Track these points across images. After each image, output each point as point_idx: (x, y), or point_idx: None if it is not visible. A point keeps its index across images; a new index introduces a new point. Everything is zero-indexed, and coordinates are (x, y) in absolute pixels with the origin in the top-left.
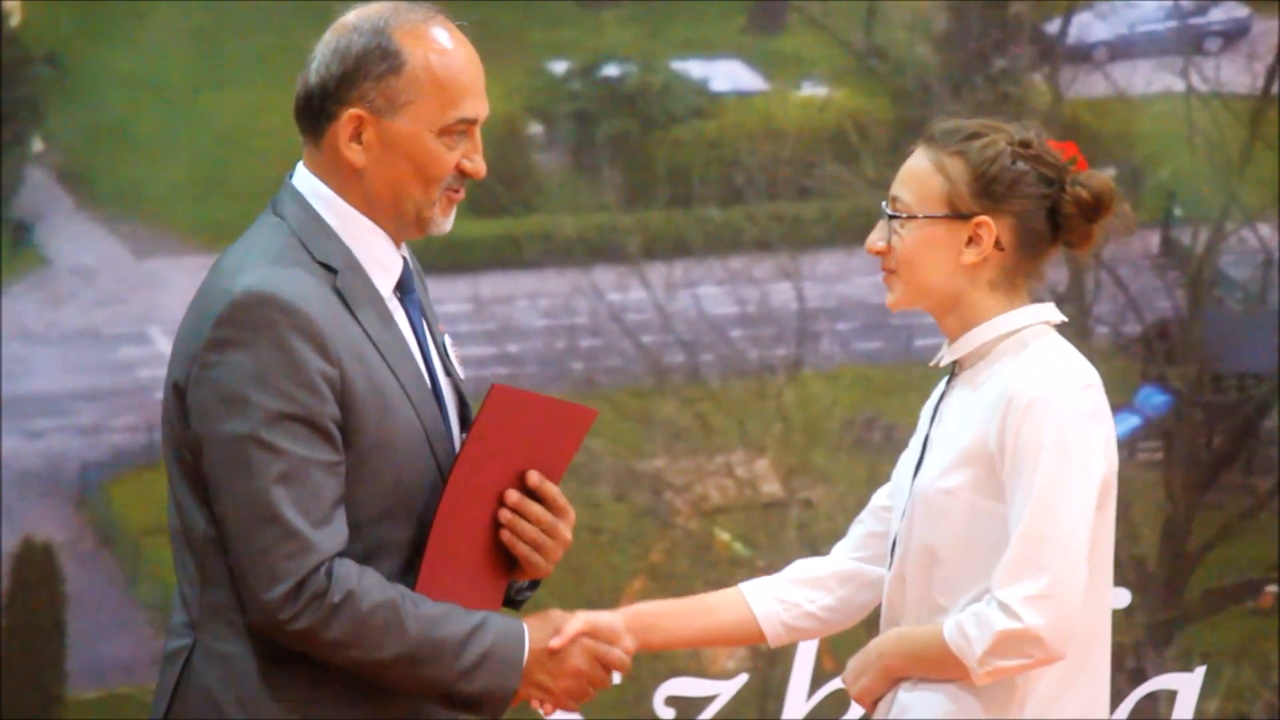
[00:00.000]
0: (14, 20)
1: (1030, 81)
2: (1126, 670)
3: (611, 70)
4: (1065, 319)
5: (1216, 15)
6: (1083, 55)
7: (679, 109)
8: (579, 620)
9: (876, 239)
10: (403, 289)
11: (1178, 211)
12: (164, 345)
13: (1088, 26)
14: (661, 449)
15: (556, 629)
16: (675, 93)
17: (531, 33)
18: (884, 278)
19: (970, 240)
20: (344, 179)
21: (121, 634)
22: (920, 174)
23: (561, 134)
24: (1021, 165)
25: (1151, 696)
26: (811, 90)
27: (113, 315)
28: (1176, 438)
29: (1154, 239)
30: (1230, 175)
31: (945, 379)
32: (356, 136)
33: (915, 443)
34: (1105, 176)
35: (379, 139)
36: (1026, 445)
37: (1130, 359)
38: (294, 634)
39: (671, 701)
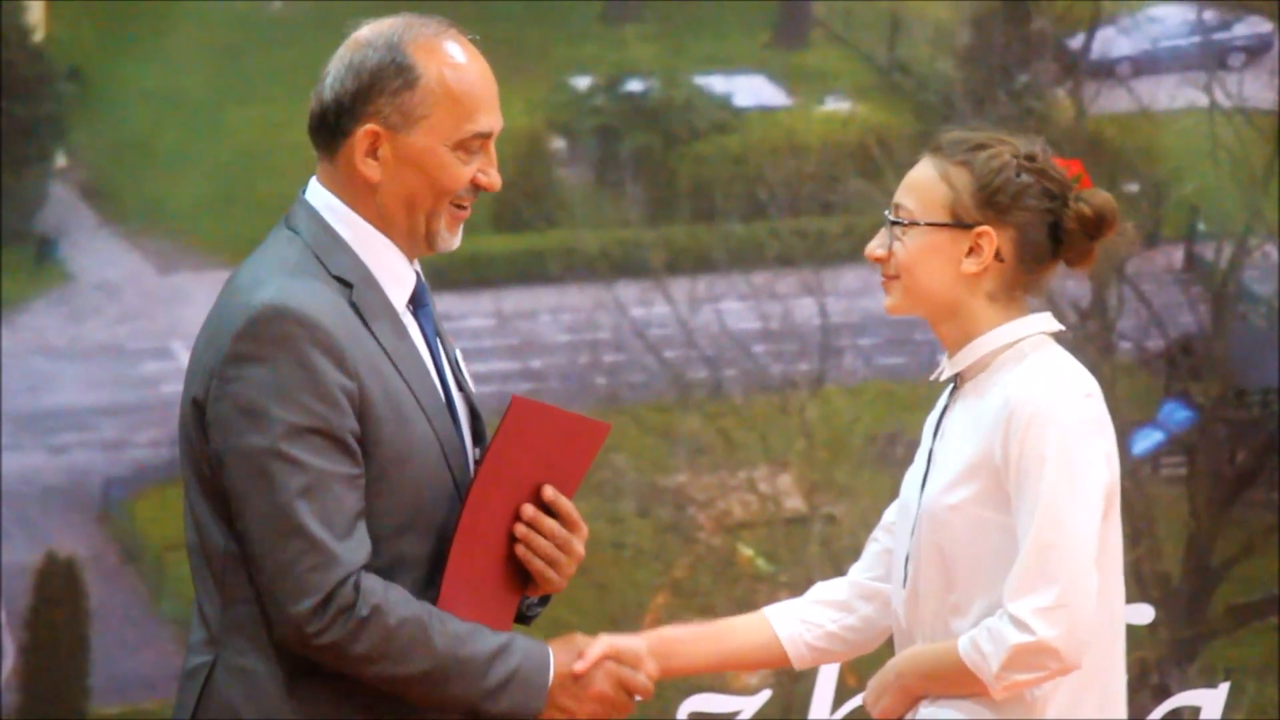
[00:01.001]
0: (37, 36)
1: (1053, 97)
2: (1150, 686)
3: (635, 85)
4: (1063, 328)
5: (1240, 30)
6: (1106, 70)
7: (702, 124)
8: (602, 644)
9: (876, 246)
10: (415, 303)
11: (1201, 227)
12: (187, 360)
13: (1111, 42)
14: (684, 464)
15: (580, 652)
16: (698, 108)
17: (555, 48)
18: (883, 283)
19: (971, 250)
20: (358, 193)
21: (144, 649)
22: (925, 182)
23: (584, 149)
24: (1026, 178)
25: (1175, 713)
26: (835, 105)
27: (136, 330)
28: (1200, 453)
29: (1177, 254)
30: (1254, 190)
31: (946, 392)
32: (372, 152)
33: (919, 458)
34: (1108, 195)
35: (394, 154)
36: (1030, 456)
37: (1154, 374)
38: (321, 648)
39: (695, 718)
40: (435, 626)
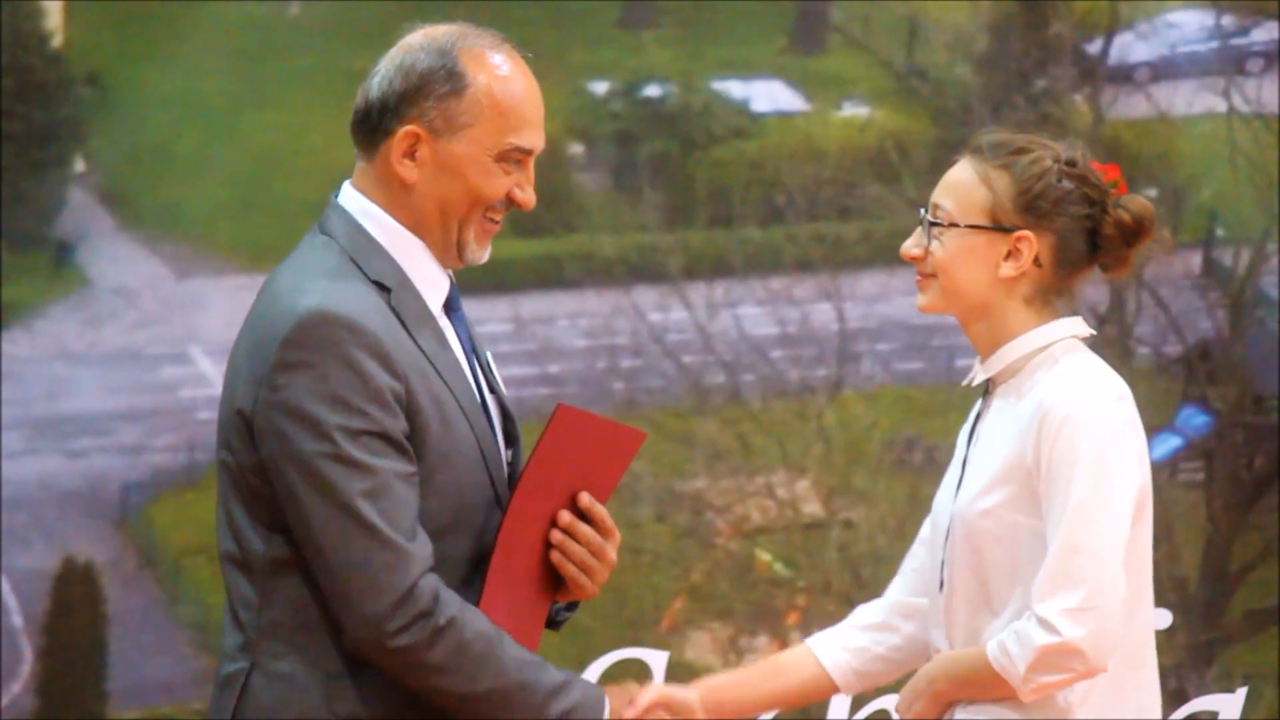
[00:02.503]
0: (56, 41)
1: (1071, 102)
2: (1168, 691)
3: (652, 91)
4: (1094, 332)
5: (1258, 36)
6: (1124, 76)
7: (720, 129)
8: (654, 692)
9: (912, 245)
10: (450, 307)
11: (1219, 232)
12: (205, 365)
13: (1129, 47)
14: (702, 469)
15: (631, 699)
16: (716, 113)
17: (572, 53)
18: (917, 280)
19: (1009, 254)
20: (394, 195)
21: (162, 654)
22: (965, 184)
23: (602, 154)
24: (1066, 184)
25: (1193, 718)
26: (852, 110)
27: (154, 335)
28: (1218, 459)
29: (1195, 259)
30: (1272, 196)
31: (980, 399)
32: (410, 153)
33: (955, 465)
34: (1146, 200)
35: (433, 158)
36: (1062, 460)
37: (1171, 379)
38: (396, 650)
39: None
40: (506, 648)
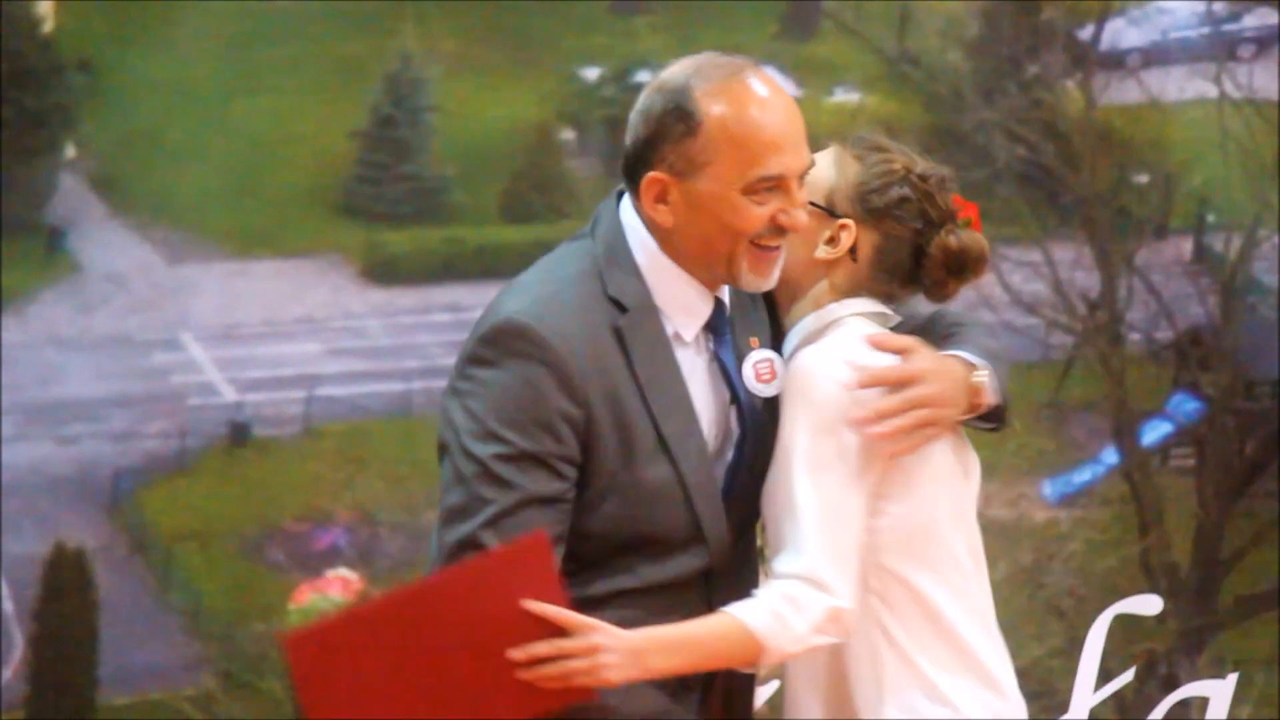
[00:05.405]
0: (47, 27)
1: (1063, 88)
2: (1159, 677)
3: (644, 76)
4: (887, 311)
5: (1250, 22)
6: (1116, 62)
7: None
8: None
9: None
10: (714, 331)
11: (1210, 218)
12: (196, 351)
13: (1121, 33)
14: None
15: None
16: None
17: (564, 39)
18: None
19: (830, 239)
20: (658, 233)
21: (153, 640)
22: (822, 165)
23: (594, 140)
24: (906, 191)
25: (1184, 703)
26: (844, 96)
27: (145, 321)
28: (1209, 444)
29: (1186, 246)
30: (1263, 181)
31: None
32: (662, 198)
33: None
34: (982, 241)
35: (683, 200)
36: (787, 424)
37: (1163, 365)
38: None
39: None
40: None
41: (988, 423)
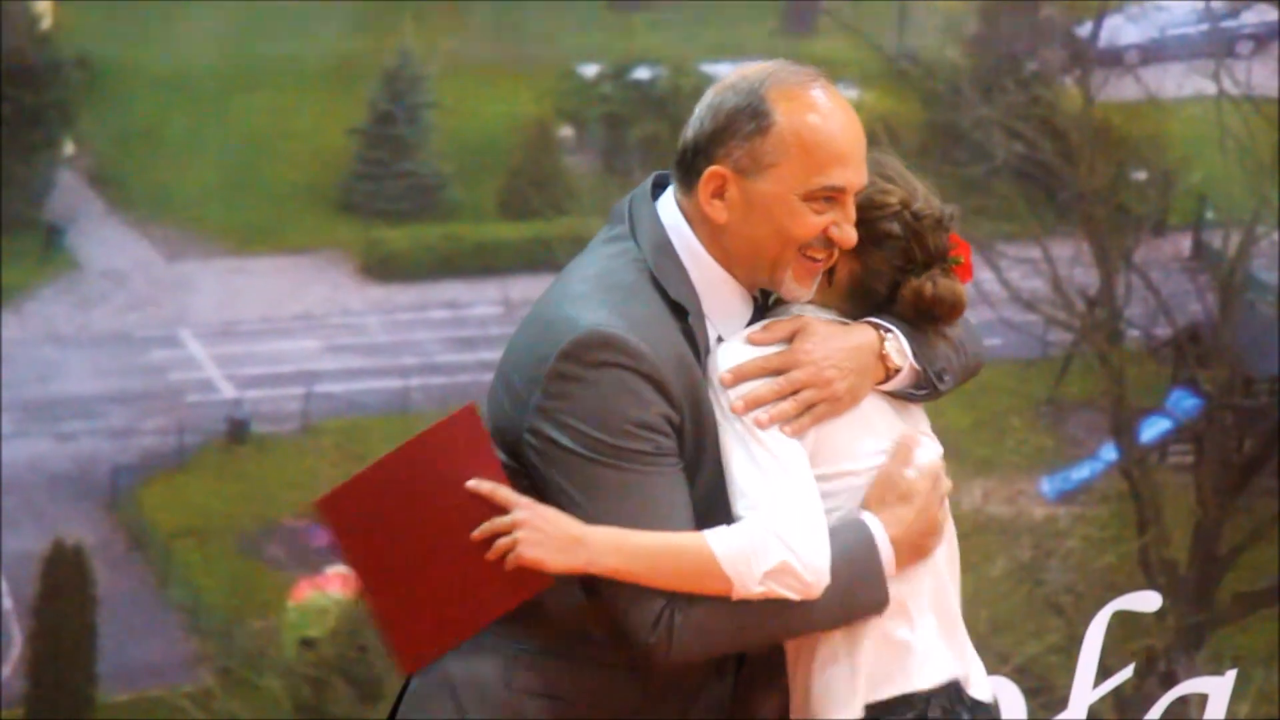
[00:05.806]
0: (45, 23)
1: (1061, 85)
2: (1158, 674)
3: (642, 73)
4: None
5: (1248, 18)
6: (1114, 58)
7: None
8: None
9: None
10: None
11: (1209, 215)
12: (194, 348)
13: (1119, 29)
14: None
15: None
16: None
17: (562, 36)
18: None
19: None
20: (708, 231)
21: (152, 637)
22: None
23: (592, 137)
24: (894, 227)
25: (1183, 700)
26: (843, 92)
27: (143, 318)
28: (1207, 441)
29: (1185, 242)
30: (1262, 178)
31: None
32: (719, 193)
33: None
34: (958, 292)
35: (742, 197)
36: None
37: (1161, 362)
38: (649, 646)
39: None
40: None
41: (920, 389)
